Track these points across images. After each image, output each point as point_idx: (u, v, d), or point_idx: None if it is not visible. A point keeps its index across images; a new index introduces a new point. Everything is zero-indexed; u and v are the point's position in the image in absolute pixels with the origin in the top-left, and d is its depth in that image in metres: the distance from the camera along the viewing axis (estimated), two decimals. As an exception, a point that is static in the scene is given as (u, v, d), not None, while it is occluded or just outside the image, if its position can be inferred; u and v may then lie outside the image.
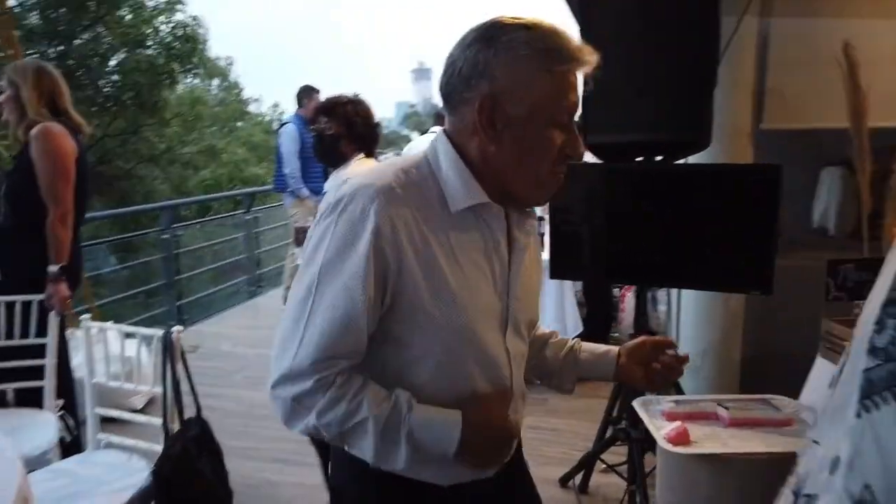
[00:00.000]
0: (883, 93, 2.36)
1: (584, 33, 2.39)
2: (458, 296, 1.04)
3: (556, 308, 4.02)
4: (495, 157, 1.04)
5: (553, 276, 2.56)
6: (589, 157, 2.82)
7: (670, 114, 2.36)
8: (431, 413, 1.05)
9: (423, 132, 7.27)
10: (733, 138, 2.91)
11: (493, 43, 1.00)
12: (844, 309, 2.16)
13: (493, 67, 0.99)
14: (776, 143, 2.98)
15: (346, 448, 1.09)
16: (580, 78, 1.04)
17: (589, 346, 1.35)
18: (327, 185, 2.54)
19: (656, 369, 1.28)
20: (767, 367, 3.14)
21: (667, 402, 2.20)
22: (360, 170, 2.35)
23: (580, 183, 2.50)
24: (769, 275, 2.23)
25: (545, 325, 1.42)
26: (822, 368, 2.16)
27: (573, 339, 1.37)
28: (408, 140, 12.59)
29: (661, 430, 2.04)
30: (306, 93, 5.55)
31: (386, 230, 0.99)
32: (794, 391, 2.31)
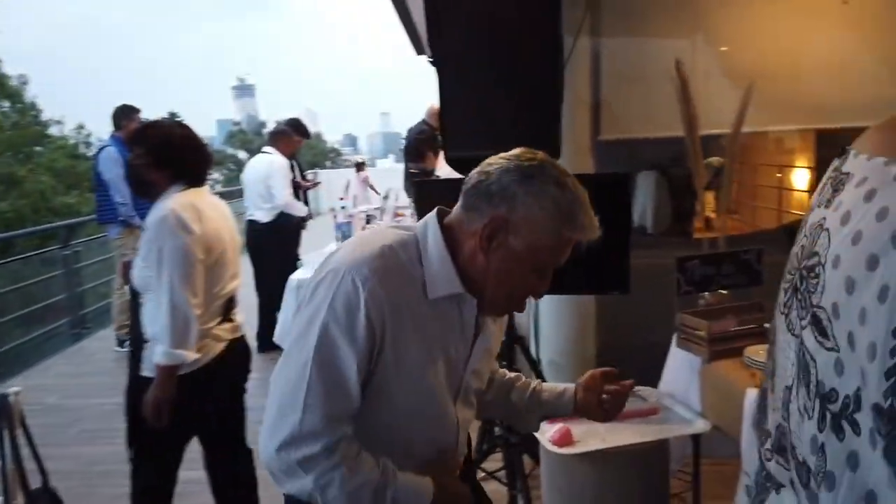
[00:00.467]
0: (706, 105, 2.63)
1: (436, 52, 2.43)
2: (422, 378, 1.18)
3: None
4: (481, 266, 1.16)
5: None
6: (450, 172, 2.87)
7: (523, 128, 2.47)
8: (409, 478, 1.19)
9: (253, 152, 6.91)
10: (576, 150, 3.10)
11: (529, 182, 1.12)
12: (691, 301, 2.38)
13: (517, 200, 1.11)
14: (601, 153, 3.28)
15: None
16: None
17: (549, 387, 1.48)
18: (147, 222, 2.12)
19: (607, 400, 1.42)
20: (621, 359, 3.37)
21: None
22: (182, 201, 2.07)
23: (442, 197, 2.53)
24: (626, 275, 2.40)
25: None
26: (677, 357, 2.36)
27: (535, 381, 1.49)
28: (234, 159, 11.89)
29: (545, 433, 2.11)
30: (125, 113, 5.10)
31: (376, 313, 1.09)
32: (648, 380, 2.51)
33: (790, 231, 4.64)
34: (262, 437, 1.13)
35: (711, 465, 2.53)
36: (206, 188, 2.25)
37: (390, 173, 11.52)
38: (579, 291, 2.87)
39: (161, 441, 2.14)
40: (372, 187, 10.84)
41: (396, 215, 4.89)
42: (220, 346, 2.16)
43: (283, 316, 4.09)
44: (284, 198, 4.92)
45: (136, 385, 2.10)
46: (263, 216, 4.93)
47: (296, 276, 4.11)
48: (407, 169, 5.70)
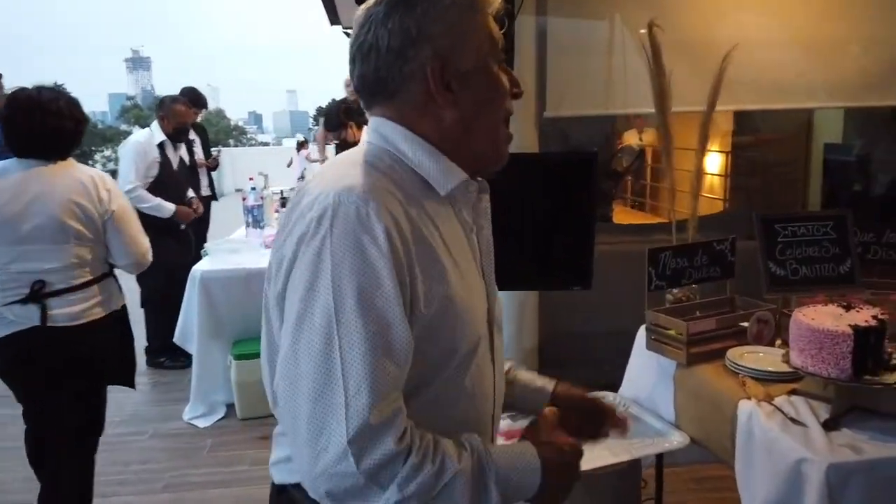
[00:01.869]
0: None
1: None
2: (462, 300, 0.93)
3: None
4: (456, 124, 0.96)
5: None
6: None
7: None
8: (506, 449, 0.97)
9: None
10: (521, 127, 2.82)
11: (415, 3, 0.92)
12: (657, 298, 2.14)
13: (427, 28, 0.92)
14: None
15: None
16: None
17: (526, 376, 1.24)
18: None
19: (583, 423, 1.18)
20: (564, 352, 3.18)
21: (503, 420, 1.98)
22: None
23: None
24: (588, 268, 2.14)
25: None
26: (644, 359, 2.11)
27: (509, 362, 1.25)
28: (128, 135, 10.77)
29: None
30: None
31: (394, 232, 0.86)
32: (598, 375, 2.29)
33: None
34: (301, 465, 0.85)
35: (669, 468, 2.35)
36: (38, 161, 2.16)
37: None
38: (538, 287, 2.60)
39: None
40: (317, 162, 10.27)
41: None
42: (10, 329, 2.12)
43: (185, 314, 3.60)
44: (127, 186, 3.93)
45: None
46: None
47: (199, 268, 3.61)
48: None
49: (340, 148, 4.53)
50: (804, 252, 2.11)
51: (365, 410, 0.81)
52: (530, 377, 1.24)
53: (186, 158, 4.65)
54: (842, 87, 3.22)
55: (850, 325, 1.47)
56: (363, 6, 0.95)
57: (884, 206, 4.20)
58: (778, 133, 4.82)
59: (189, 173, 4.70)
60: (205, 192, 5.12)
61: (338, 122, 4.95)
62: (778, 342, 1.99)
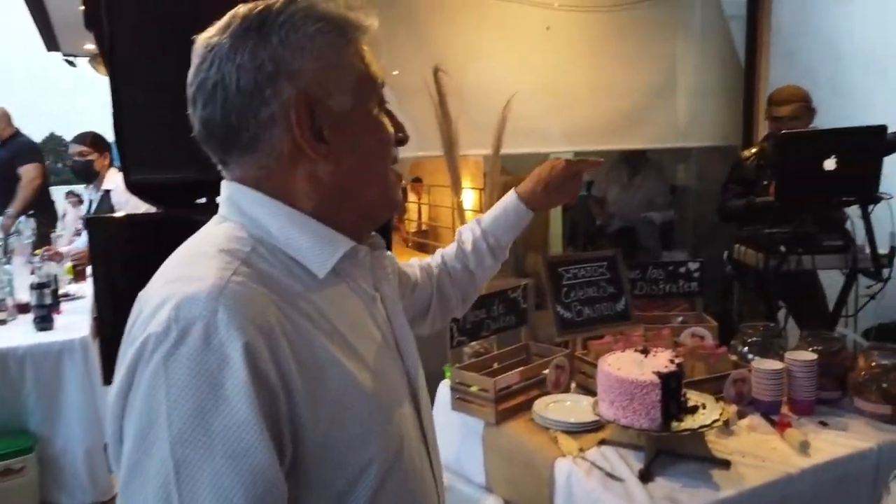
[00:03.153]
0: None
1: (108, 46, 1.76)
2: (369, 400, 0.75)
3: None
4: (334, 177, 0.78)
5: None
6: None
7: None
8: None
9: None
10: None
11: (269, 31, 0.74)
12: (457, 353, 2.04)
13: (287, 62, 0.74)
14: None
15: None
16: None
17: (488, 215, 1.30)
18: None
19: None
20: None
21: None
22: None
23: (131, 240, 1.82)
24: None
25: None
26: (448, 418, 1.98)
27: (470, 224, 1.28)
28: None
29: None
30: None
31: (259, 348, 0.65)
32: None
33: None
34: None
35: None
36: None
37: None
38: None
39: None
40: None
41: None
42: None
43: None
44: None
45: None
46: None
47: None
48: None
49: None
50: (586, 293, 2.18)
51: None
52: (490, 212, 1.29)
53: None
54: (574, 133, 3.53)
55: (655, 373, 1.49)
56: (202, 37, 0.77)
57: (619, 239, 4.68)
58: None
59: None
60: None
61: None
62: (573, 385, 2.00)
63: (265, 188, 0.77)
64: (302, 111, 0.74)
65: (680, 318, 2.30)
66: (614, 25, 3.51)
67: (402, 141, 0.86)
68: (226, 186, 0.80)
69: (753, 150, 3.02)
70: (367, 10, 0.80)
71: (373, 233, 0.89)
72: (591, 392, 1.92)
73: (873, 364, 1.70)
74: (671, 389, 1.50)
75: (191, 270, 0.70)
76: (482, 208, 5.52)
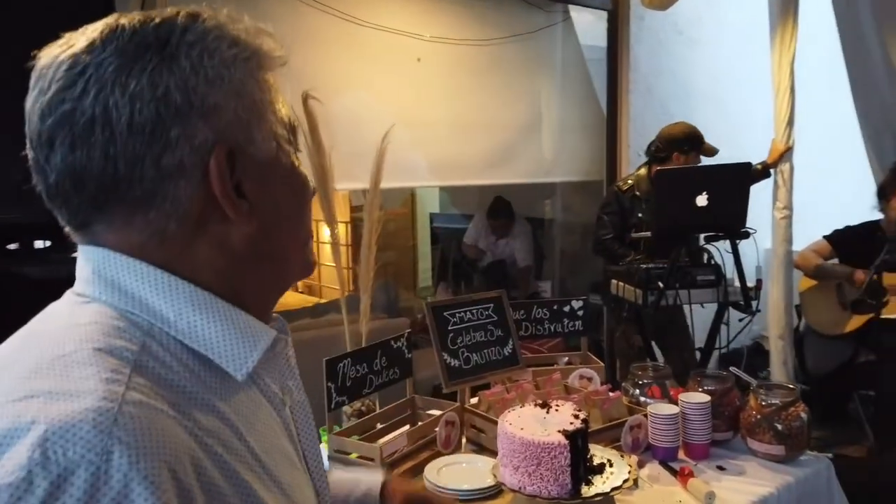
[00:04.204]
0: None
1: None
2: None
3: None
4: (249, 242, 0.61)
5: None
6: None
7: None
8: None
9: None
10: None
11: (175, 52, 0.55)
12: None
13: (202, 93, 0.56)
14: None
15: None
16: None
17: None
18: None
19: None
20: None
21: None
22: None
23: None
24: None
25: None
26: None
27: None
28: None
29: None
30: None
31: (164, 479, 0.47)
32: None
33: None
34: None
35: None
36: None
37: None
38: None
39: None
40: None
41: None
42: None
43: None
44: None
45: None
46: None
47: None
48: None
49: None
50: (473, 338, 2.04)
51: None
52: (350, 480, 1.00)
53: None
54: (442, 167, 3.47)
55: (561, 432, 1.36)
56: (57, 53, 0.56)
57: (490, 271, 4.67)
58: (391, 206, 5.20)
59: None
60: None
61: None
62: (464, 440, 1.85)
63: (153, 258, 0.58)
64: (221, 159, 0.57)
65: (566, 359, 2.23)
66: (483, 59, 3.49)
67: (314, 192, 0.71)
68: (90, 253, 0.59)
69: (630, 182, 3.07)
70: (262, 29, 0.63)
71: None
72: (483, 447, 1.77)
73: (763, 404, 1.69)
74: (578, 449, 1.37)
75: (55, 381, 0.49)
76: (350, 242, 5.33)
